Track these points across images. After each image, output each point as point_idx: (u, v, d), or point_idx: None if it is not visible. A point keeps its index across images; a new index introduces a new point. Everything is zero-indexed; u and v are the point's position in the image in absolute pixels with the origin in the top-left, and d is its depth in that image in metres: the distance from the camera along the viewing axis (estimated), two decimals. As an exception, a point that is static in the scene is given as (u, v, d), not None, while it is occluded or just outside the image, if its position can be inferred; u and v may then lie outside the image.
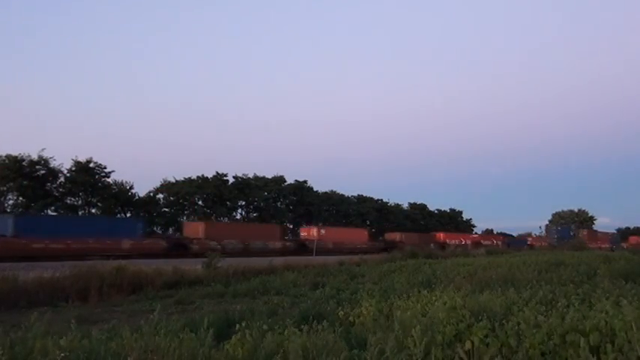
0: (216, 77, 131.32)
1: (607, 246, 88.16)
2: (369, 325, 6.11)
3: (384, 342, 4.23)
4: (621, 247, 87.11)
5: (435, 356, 3.97)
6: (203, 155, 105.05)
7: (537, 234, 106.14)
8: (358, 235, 59.34)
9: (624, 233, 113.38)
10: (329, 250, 47.58)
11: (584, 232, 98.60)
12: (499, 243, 75.85)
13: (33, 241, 29.97)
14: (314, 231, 52.70)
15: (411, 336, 4.11)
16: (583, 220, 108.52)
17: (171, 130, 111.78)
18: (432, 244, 61.48)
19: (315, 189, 72.34)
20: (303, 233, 54.82)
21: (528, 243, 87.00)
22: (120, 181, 54.87)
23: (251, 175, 66.29)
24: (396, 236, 64.22)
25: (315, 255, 38.14)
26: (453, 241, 70.21)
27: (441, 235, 71.86)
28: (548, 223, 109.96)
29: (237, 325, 4.73)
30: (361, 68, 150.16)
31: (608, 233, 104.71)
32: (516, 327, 4.50)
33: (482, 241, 73.14)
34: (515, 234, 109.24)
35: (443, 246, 62.64)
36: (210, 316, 8.00)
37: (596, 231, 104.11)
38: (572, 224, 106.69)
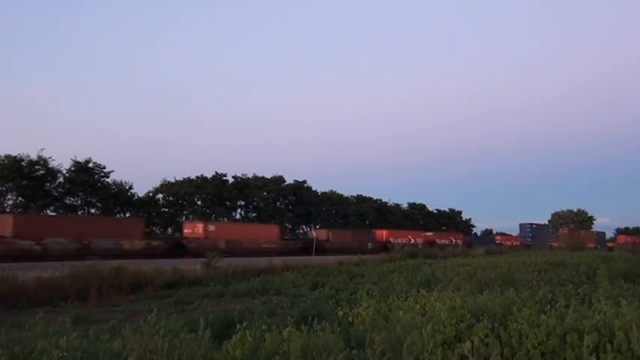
0: (216, 77, 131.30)
1: (591, 245, 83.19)
2: (368, 325, 6.11)
3: (384, 342, 4.24)
4: (606, 247, 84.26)
5: (435, 356, 3.98)
6: (203, 155, 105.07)
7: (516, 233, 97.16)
8: (265, 233, 49.12)
9: (623, 233, 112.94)
10: (221, 252, 36.71)
11: (564, 230, 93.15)
12: (458, 242, 66.49)
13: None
14: (199, 227, 43.08)
15: (412, 336, 4.12)
16: (582, 220, 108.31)
17: (170, 130, 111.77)
18: (369, 244, 54.73)
19: (314, 189, 72.43)
20: (187, 230, 44.18)
21: (497, 242, 76.72)
22: (119, 181, 54.94)
23: (250, 175, 66.36)
24: (322, 234, 53.47)
25: (196, 257, 28.44)
26: (399, 240, 61.04)
27: (383, 233, 61.73)
28: (547, 223, 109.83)
29: (238, 325, 4.73)
30: (361, 68, 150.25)
31: (593, 232, 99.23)
32: (517, 327, 4.50)
33: (437, 240, 65.41)
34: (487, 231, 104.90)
35: (385, 246, 55.14)
36: (209, 316, 8.02)
37: (578, 230, 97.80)
38: (565, 222, 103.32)
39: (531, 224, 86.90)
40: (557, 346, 4.05)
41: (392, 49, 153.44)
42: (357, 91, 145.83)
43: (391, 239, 59.84)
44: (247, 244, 44.17)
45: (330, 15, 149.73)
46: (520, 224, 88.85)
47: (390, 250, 46.42)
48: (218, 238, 41.79)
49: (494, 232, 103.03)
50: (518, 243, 79.62)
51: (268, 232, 49.55)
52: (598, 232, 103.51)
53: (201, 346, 3.99)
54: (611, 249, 73.90)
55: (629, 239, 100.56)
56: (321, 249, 45.36)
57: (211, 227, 43.90)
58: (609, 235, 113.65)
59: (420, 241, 63.44)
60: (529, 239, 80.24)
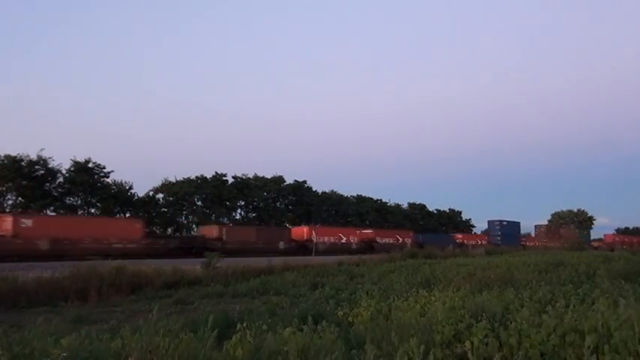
0: (216, 77, 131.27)
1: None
2: (368, 325, 6.12)
3: (383, 342, 4.24)
4: (590, 247, 76.35)
5: (435, 356, 3.98)
6: (202, 155, 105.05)
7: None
8: (118, 230, 37.79)
9: (622, 233, 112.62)
10: (41, 254, 29.85)
11: (541, 228, 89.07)
12: (407, 241, 56.96)
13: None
14: (8, 222, 32.33)
15: (411, 336, 4.12)
16: (582, 220, 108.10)
17: (170, 130, 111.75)
18: (281, 243, 45.63)
19: (314, 189, 72.40)
20: None
21: (458, 241, 64.98)
22: (119, 181, 54.91)
23: (250, 175, 66.35)
24: (212, 231, 43.50)
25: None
26: (325, 239, 50.22)
27: (303, 231, 50.04)
28: (547, 223, 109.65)
29: (239, 325, 4.73)
30: (361, 68, 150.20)
31: (574, 230, 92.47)
32: (516, 327, 4.51)
33: (377, 239, 56.10)
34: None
35: (304, 246, 46.25)
36: (209, 315, 8.02)
37: (557, 228, 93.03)
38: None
39: (501, 221, 77.51)
40: (557, 345, 4.05)
41: (391, 49, 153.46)
42: (357, 90, 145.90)
43: (313, 238, 47.94)
44: (89, 243, 34.03)
45: (330, 15, 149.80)
46: (489, 221, 79.18)
47: (311, 251, 41.11)
48: (37, 236, 31.86)
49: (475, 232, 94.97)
50: (484, 242, 70.09)
51: (124, 229, 38.18)
52: (581, 231, 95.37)
53: (205, 346, 3.99)
54: (596, 249, 66.17)
55: (617, 238, 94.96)
56: (209, 248, 33.23)
57: (26, 222, 32.58)
58: (600, 234, 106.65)
59: (354, 239, 54.13)
60: (498, 238, 71.93)
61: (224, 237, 42.45)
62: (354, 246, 51.96)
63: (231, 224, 58.91)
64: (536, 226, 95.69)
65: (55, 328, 5.58)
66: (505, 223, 78.05)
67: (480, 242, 69.89)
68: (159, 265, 17.93)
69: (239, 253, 33.94)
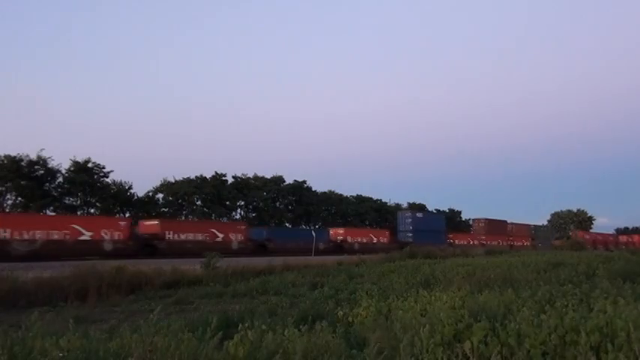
0: (216, 77, 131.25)
1: (525, 244, 70.83)
2: (368, 325, 6.12)
3: (384, 342, 4.24)
4: (550, 246, 67.92)
5: (435, 356, 3.98)
6: (202, 155, 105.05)
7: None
8: None
9: (622, 233, 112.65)
10: None
11: (481, 223, 72.00)
12: (383, 241, 53.19)
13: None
14: None
15: (411, 336, 4.12)
16: (582, 220, 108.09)
17: (170, 130, 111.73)
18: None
19: (314, 189, 72.47)
20: None
21: (331, 239, 49.78)
22: (119, 181, 54.95)
23: (250, 175, 66.39)
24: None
25: None
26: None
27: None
28: (547, 222, 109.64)
29: (240, 325, 4.73)
30: (361, 68, 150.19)
31: (527, 226, 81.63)
32: (517, 327, 4.50)
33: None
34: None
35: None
36: (208, 316, 8.01)
37: (504, 222, 75.67)
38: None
39: (414, 213, 62.81)
40: (558, 345, 4.05)
41: (390, 49, 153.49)
42: (357, 90, 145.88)
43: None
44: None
45: (329, 13, 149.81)
46: (398, 212, 64.77)
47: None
48: None
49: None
50: (385, 240, 54.34)
51: None
52: (537, 227, 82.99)
53: (208, 346, 3.99)
54: (557, 248, 58.19)
55: (587, 236, 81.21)
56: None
57: None
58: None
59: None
60: (409, 235, 56.59)
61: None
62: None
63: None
64: (474, 220, 76.55)
65: (54, 328, 5.57)
66: (420, 215, 63.55)
67: (372, 240, 53.73)
68: (158, 265, 17.94)
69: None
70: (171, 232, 36.51)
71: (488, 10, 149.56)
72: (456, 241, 62.82)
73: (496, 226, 73.57)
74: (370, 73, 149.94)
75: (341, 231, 52.02)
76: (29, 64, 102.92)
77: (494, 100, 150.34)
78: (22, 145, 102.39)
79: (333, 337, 4.75)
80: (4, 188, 46.67)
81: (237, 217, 65.19)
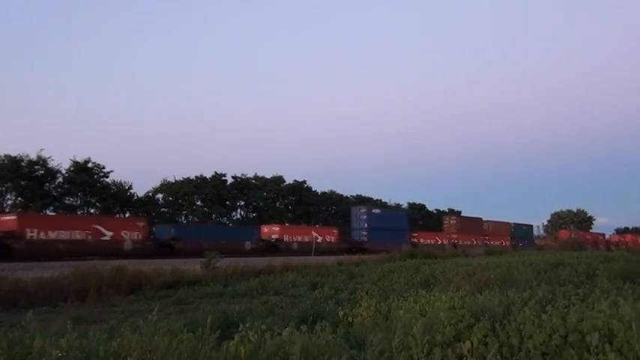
0: (216, 77, 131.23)
1: (506, 243, 65.06)
2: (368, 325, 6.11)
3: (384, 342, 4.23)
4: (534, 246, 63.94)
5: (435, 356, 3.98)
6: (202, 155, 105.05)
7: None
8: None
9: (623, 233, 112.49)
10: None
11: (452, 219, 66.55)
12: (329, 240, 49.03)
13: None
14: None
15: (411, 336, 4.12)
16: (582, 220, 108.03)
17: (170, 130, 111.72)
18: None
19: (314, 189, 72.45)
20: None
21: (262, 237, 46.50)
22: (119, 181, 54.93)
23: (250, 175, 66.39)
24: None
25: None
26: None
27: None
28: (546, 222, 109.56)
29: (241, 325, 4.73)
30: (361, 67, 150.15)
31: (507, 224, 74.71)
32: (518, 327, 4.50)
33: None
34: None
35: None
36: (208, 316, 8.01)
37: (478, 219, 69.17)
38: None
39: (370, 208, 55.62)
40: (559, 346, 4.05)
41: (389, 48, 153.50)
42: (357, 90, 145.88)
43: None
44: None
45: (329, 13, 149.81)
46: (352, 208, 57.24)
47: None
48: None
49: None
50: (332, 239, 49.23)
51: None
52: (518, 225, 76.46)
53: (205, 346, 3.99)
54: (540, 248, 54.92)
55: (573, 235, 76.37)
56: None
57: None
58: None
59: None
60: (363, 234, 51.10)
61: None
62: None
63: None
64: (444, 218, 70.95)
65: (54, 328, 5.56)
66: (377, 211, 55.86)
67: (317, 239, 47.32)
68: (158, 265, 17.94)
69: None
70: (34, 230, 29.80)
71: (489, 10, 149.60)
72: (421, 241, 57.42)
73: (470, 224, 67.47)
74: (370, 73, 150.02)
75: (276, 228, 46.47)
76: (29, 64, 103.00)
77: (495, 99, 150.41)
78: (22, 145, 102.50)
79: (333, 337, 4.74)
80: (4, 188, 46.65)
81: (238, 217, 65.23)
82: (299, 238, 46.16)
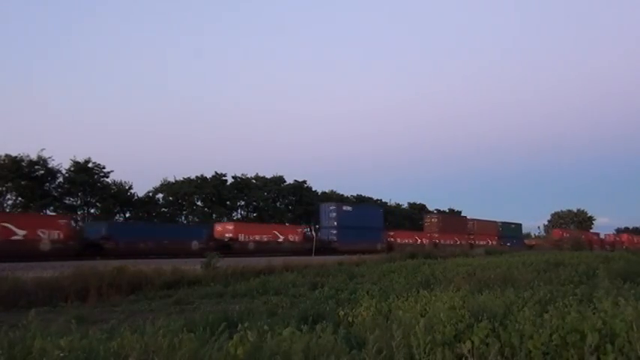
0: (216, 77, 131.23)
1: (493, 243, 61.77)
2: (368, 325, 6.11)
3: (384, 342, 4.23)
4: (524, 246, 61.44)
5: (436, 356, 3.97)
6: (203, 155, 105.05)
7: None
8: None
9: (623, 232, 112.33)
10: None
11: (433, 218, 61.77)
12: (292, 239, 44.84)
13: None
14: None
15: (412, 336, 4.11)
16: (582, 220, 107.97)
17: (170, 130, 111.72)
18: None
19: (314, 189, 72.46)
20: None
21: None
22: (119, 181, 54.92)
23: (250, 175, 66.39)
24: None
25: None
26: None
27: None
28: (547, 223, 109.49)
29: (240, 326, 4.73)
30: (361, 66, 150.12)
31: (494, 223, 70.69)
32: (520, 327, 4.50)
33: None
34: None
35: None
36: (209, 316, 8.01)
37: (458, 215, 66.57)
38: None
39: (340, 205, 51.50)
40: (559, 346, 4.04)
41: (389, 48, 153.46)
42: (357, 90, 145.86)
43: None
44: None
45: (329, 13, 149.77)
46: (321, 204, 52.80)
47: None
48: None
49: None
50: (296, 238, 45.69)
51: None
52: (506, 224, 72.14)
53: (204, 346, 3.98)
54: (531, 248, 52.75)
55: (565, 234, 73.62)
56: None
57: None
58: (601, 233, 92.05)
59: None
60: (332, 232, 47.42)
61: None
62: (194, 247, 36.42)
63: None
64: (425, 216, 67.10)
65: (54, 328, 5.56)
66: (348, 208, 51.33)
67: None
68: (158, 265, 17.95)
69: None
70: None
71: (489, 10, 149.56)
72: (398, 240, 53.75)
73: (453, 223, 64.10)
74: (370, 73, 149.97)
75: (230, 227, 42.55)
76: (30, 64, 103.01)
77: (495, 99, 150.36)
78: (23, 145, 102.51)
79: (334, 337, 4.74)
80: (4, 188, 46.64)
81: (238, 216, 65.18)
82: (257, 238, 42.02)
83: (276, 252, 36.56)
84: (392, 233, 55.51)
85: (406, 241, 55.29)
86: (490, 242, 64.57)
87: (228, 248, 37.73)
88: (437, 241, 57.80)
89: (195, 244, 37.11)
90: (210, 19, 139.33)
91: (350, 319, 7.12)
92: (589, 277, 12.83)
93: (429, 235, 59.75)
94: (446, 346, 4.22)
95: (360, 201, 76.79)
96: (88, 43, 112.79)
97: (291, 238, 44.99)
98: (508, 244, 64.65)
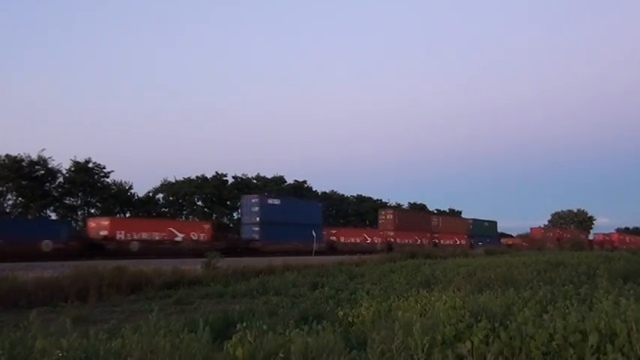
0: (217, 77, 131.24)
1: (462, 242, 56.48)
2: (368, 325, 6.11)
3: (384, 342, 4.23)
4: (499, 246, 55.46)
5: (436, 356, 3.97)
6: (203, 155, 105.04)
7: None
8: None
9: (622, 232, 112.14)
10: None
11: (389, 214, 54.18)
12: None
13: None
14: None
15: (412, 336, 4.11)
16: (582, 220, 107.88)
17: (170, 130, 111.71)
18: None
19: (314, 189, 72.47)
20: None
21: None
22: (119, 181, 54.91)
23: (250, 175, 66.39)
24: None
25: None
26: None
27: None
28: (547, 223, 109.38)
29: (238, 325, 4.73)
30: (361, 66, 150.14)
31: (465, 220, 66.20)
32: (518, 327, 4.50)
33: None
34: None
35: None
36: (209, 316, 8.01)
37: (429, 214, 60.30)
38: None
39: (264, 198, 43.63)
40: (560, 346, 4.04)
41: (389, 48, 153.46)
42: (357, 91, 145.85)
43: None
44: None
45: (329, 13, 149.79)
46: (243, 196, 47.25)
47: None
48: None
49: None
50: (203, 236, 38.40)
51: None
52: (478, 222, 65.39)
53: (204, 346, 3.99)
54: (509, 247, 49.22)
55: (549, 234, 68.74)
56: None
57: None
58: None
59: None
60: (254, 229, 41.00)
61: None
62: (45, 248, 29.25)
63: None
64: (380, 212, 58.39)
65: (54, 328, 5.56)
66: (276, 202, 43.46)
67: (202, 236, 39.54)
68: (159, 265, 17.94)
69: None
70: None
71: (489, 10, 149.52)
72: (342, 239, 47.60)
73: (412, 219, 56.84)
74: (370, 74, 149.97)
75: (105, 222, 34.32)
76: (30, 64, 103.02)
77: (495, 100, 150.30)
78: (23, 145, 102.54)
79: (334, 337, 4.74)
80: (4, 188, 46.64)
81: (238, 216, 65.13)
82: (143, 236, 34.21)
83: (171, 254, 30.52)
84: (334, 231, 48.83)
85: (351, 240, 48.81)
86: (458, 241, 58.43)
87: (100, 248, 31.07)
88: (392, 239, 51.08)
89: (47, 244, 29.52)
90: (211, 19, 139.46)
91: (350, 319, 7.12)
92: (589, 277, 12.82)
93: (382, 233, 52.80)
94: (446, 346, 4.22)
95: (361, 201, 76.75)
96: (88, 43, 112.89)
97: (194, 236, 37.30)
98: (480, 243, 58.28)
